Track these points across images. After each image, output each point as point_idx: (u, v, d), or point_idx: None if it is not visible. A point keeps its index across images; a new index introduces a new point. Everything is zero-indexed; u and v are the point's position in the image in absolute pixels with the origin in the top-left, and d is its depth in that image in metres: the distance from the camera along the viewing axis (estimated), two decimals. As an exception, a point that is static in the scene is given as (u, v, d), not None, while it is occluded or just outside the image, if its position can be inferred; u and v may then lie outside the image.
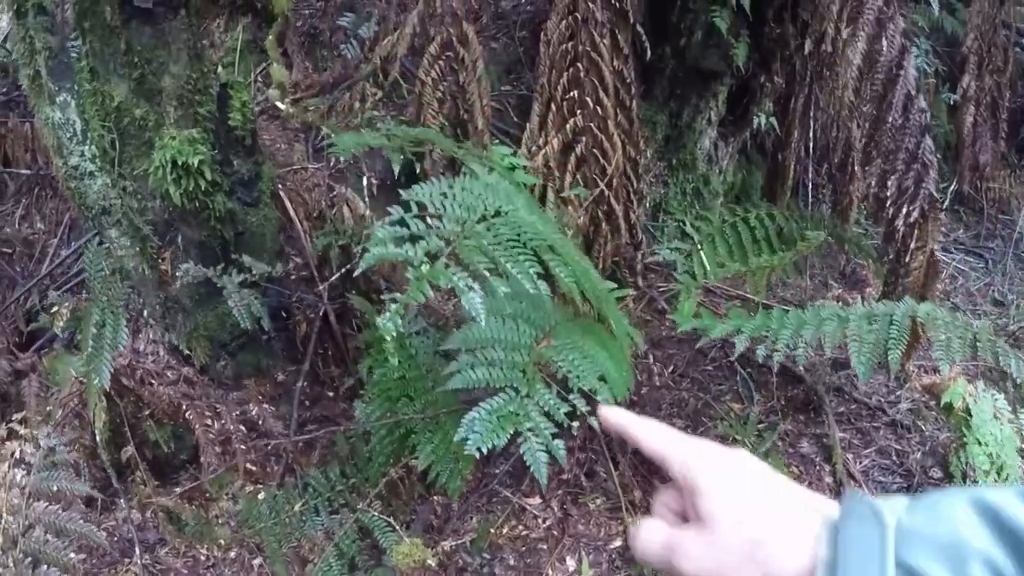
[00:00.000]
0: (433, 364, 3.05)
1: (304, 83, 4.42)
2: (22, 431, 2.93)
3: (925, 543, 0.67)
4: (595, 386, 2.10)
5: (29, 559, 2.67)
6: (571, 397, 2.03)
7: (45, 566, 2.66)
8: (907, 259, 3.41)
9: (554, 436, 1.98)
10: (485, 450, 1.87)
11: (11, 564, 2.67)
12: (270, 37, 4.46)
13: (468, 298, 1.59)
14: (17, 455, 2.85)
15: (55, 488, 2.80)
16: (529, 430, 1.95)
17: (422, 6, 4.10)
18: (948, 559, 0.65)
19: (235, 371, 3.68)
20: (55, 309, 3.00)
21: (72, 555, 2.72)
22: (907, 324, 2.81)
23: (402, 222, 1.71)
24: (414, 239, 1.66)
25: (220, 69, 3.35)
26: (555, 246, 1.92)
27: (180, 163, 3.11)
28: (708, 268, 3.69)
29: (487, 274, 1.65)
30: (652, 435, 0.91)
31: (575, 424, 1.99)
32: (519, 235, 1.82)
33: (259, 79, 4.55)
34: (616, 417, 0.95)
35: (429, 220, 1.72)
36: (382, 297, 3.48)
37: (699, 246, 3.81)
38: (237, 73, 4.38)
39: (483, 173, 2.21)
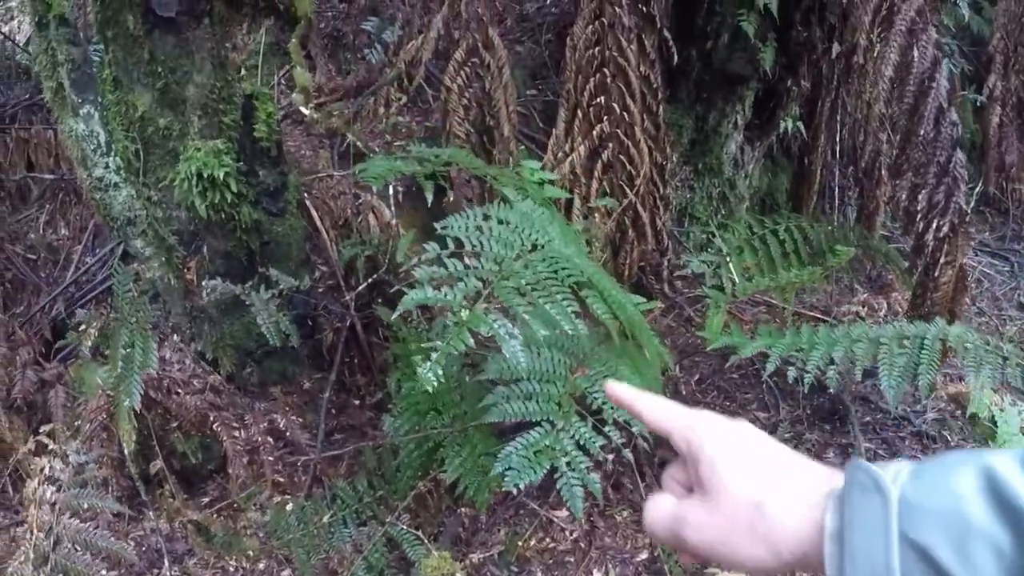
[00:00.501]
0: (461, 377, 3.06)
1: (328, 87, 4.42)
2: (51, 445, 2.94)
3: (928, 516, 0.66)
4: (630, 416, 2.09)
5: (60, 575, 2.69)
6: (606, 429, 2.03)
7: (77, 582, 2.68)
8: (936, 273, 3.39)
9: (588, 469, 1.98)
10: (523, 486, 1.87)
11: None
12: (293, 40, 4.46)
13: (509, 346, 1.59)
14: (47, 471, 2.86)
15: (85, 506, 2.81)
16: (565, 464, 1.95)
17: (446, 10, 4.08)
18: (951, 535, 0.64)
19: (261, 378, 3.69)
20: (83, 327, 3.01)
21: (104, 572, 2.74)
22: (938, 347, 2.81)
23: (439, 260, 1.71)
24: (453, 280, 1.66)
25: (245, 81, 3.35)
26: (592, 279, 1.92)
27: (206, 176, 3.11)
28: (736, 282, 3.68)
29: (527, 318, 1.64)
30: (655, 408, 0.90)
31: (610, 457, 2.00)
32: (556, 271, 1.82)
33: (282, 82, 4.55)
34: (621, 393, 0.94)
35: (467, 259, 1.72)
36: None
37: (727, 258, 3.80)
38: (260, 76, 4.38)
39: (516, 199, 2.21)
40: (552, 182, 3.29)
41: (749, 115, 4.62)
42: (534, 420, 2.02)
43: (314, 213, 3.62)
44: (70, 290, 3.99)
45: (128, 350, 2.84)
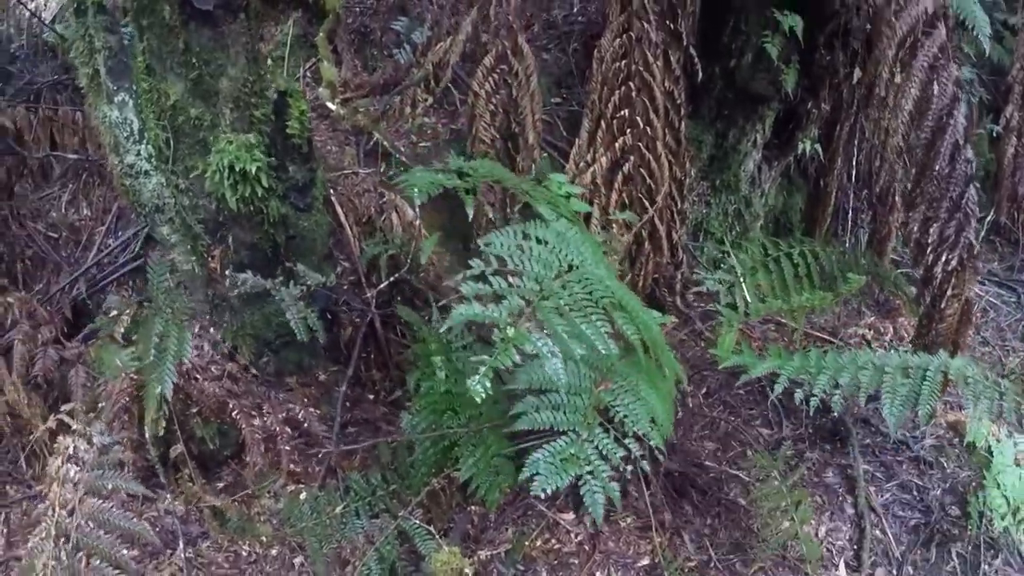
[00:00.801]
0: (479, 380, 3.25)
1: (353, 82, 4.60)
2: (74, 425, 3.10)
3: None
4: (647, 429, 2.31)
5: (81, 553, 2.83)
6: (626, 441, 2.24)
7: (97, 560, 2.84)
8: (942, 305, 3.61)
9: (609, 478, 2.19)
10: (550, 491, 2.07)
11: (63, 557, 2.82)
12: (321, 34, 4.63)
13: (551, 364, 1.79)
14: (71, 451, 3.02)
15: (109, 486, 2.97)
16: (589, 473, 2.16)
17: (475, 14, 4.25)
18: None
19: (277, 367, 3.87)
20: (114, 313, 3.19)
21: (124, 551, 2.90)
22: (939, 379, 3.03)
23: (483, 277, 1.91)
24: (497, 297, 1.85)
25: (279, 77, 3.51)
26: (623, 302, 2.12)
27: (238, 169, 3.27)
28: (749, 302, 3.89)
29: (565, 336, 1.84)
30: None
31: (629, 468, 2.21)
32: (591, 293, 2.02)
33: (308, 74, 4.73)
34: None
35: (509, 278, 1.91)
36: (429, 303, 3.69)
37: (742, 279, 4.01)
38: (287, 68, 4.55)
39: (551, 218, 2.41)
40: (578, 196, 3.48)
41: (769, 135, 4.81)
42: (561, 430, 2.23)
43: (339, 209, 3.81)
44: (91, 271, 4.16)
45: (162, 339, 3.01)
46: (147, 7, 3.13)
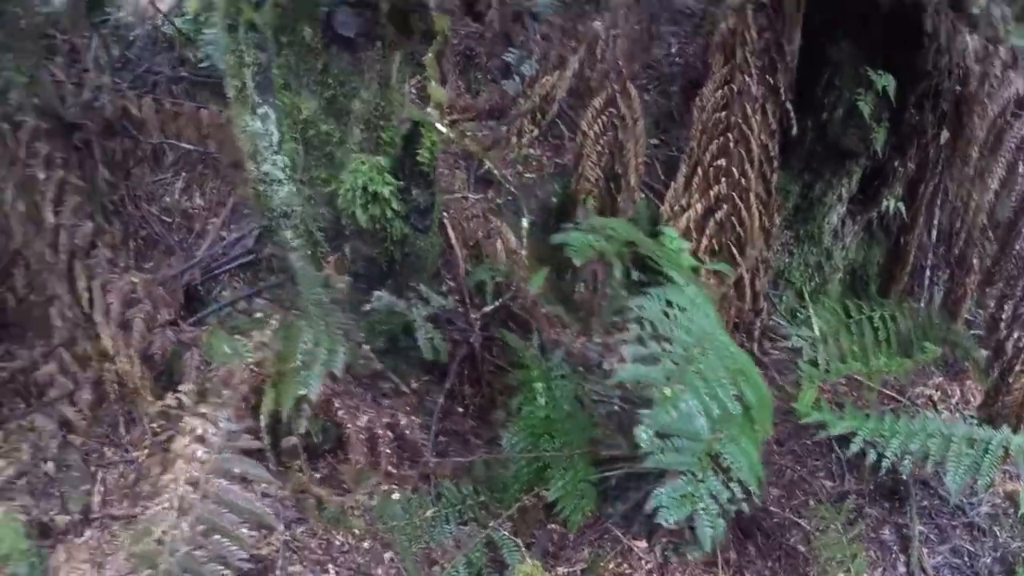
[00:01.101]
0: (574, 410, 3.81)
1: (458, 104, 5.13)
2: (199, 408, 3.63)
3: None
4: (748, 476, 2.86)
5: (202, 526, 3.36)
6: (731, 485, 2.80)
7: (217, 536, 3.38)
8: (1011, 379, 4.11)
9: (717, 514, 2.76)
10: (672, 521, 2.64)
11: (185, 528, 3.36)
12: (430, 55, 5.14)
13: (699, 421, 2.34)
14: (199, 432, 3.55)
15: (236, 470, 3.50)
16: (702, 510, 2.73)
17: (584, 52, 4.77)
18: None
19: (372, 371, 4.38)
20: (260, 315, 3.73)
21: (244, 530, 3.44)
22: (1000, 453, 3.54)
23: (641, 340, 2.46)
24: (655, 359, 2.41)
25: (413, 109, 4.02)
26: (743, 368, 2.68)
27: (370, 190, 3.78)
28: (829, 361, 4.41)
29: (707, 398, 2.39)
30: None
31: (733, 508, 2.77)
32: (722, 359, 2.57)
33: (412, 91, 5.25)
34: None
35: (663, 344, 2.46)
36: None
37: (824, 339, 4.53)
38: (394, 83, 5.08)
39: (683, 283, 2.95)
40: (688, 250, 4.01)
41: (855, 189, 5.29)
42: (681, 470, 2.79)
43: (451, 232, 4.35)
44: (205, 260, 4.70)
45: (312, 347, 3.56)
46: (287, 26, 3.61)
